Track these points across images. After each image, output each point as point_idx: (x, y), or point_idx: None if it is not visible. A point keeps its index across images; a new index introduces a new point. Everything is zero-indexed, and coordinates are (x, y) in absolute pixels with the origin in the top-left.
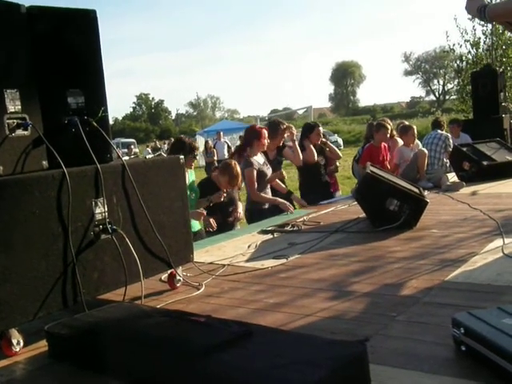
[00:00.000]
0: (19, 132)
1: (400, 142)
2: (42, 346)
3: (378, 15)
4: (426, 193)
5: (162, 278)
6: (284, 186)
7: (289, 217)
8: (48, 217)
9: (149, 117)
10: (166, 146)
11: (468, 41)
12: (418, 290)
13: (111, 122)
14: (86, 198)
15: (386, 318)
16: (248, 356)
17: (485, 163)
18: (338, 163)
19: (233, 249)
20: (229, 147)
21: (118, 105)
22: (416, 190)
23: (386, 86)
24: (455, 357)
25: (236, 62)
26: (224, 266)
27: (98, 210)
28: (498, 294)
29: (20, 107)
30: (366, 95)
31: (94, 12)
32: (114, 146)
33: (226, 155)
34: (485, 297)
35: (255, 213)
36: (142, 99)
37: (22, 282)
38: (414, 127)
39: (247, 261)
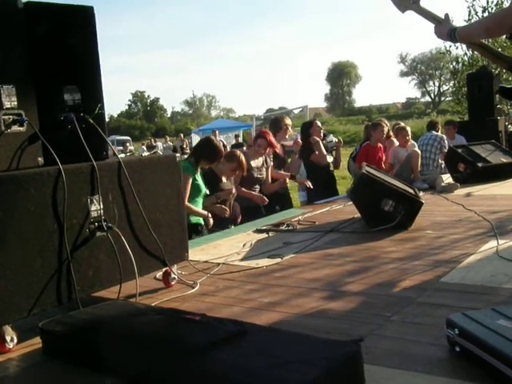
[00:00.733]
0: (15, 128)
1: (396, 142)
2: (36, 343)
3: (375, 15)
4: (421, 194)
5: (157, 276)
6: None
7: (284, 216)
8: (43, 213)
9: (144, 114)
10: (161, 145)
11: None
12: (413, 290)
13: (106, 119)
14: (81, 195)
15: (381, 318)
16: (243, 355)
17: (480, 165)
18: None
19: (228, 247)
20: (224, 146)
21: (114, 102)
22: (411, 191)
23: (382, 87)
24: (449, 357)
25: (232, 61)
26: (219, 264)
27: (93, 208)
28: (492, 295)
29: (16, 103)
30: (362, 96)
31: (91, 8)
32: (110, 144)
33: None
34: (479, 298)
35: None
36: (138, 97)
37: (16, 279)
38: (408, 128)
39: (242, 260)
